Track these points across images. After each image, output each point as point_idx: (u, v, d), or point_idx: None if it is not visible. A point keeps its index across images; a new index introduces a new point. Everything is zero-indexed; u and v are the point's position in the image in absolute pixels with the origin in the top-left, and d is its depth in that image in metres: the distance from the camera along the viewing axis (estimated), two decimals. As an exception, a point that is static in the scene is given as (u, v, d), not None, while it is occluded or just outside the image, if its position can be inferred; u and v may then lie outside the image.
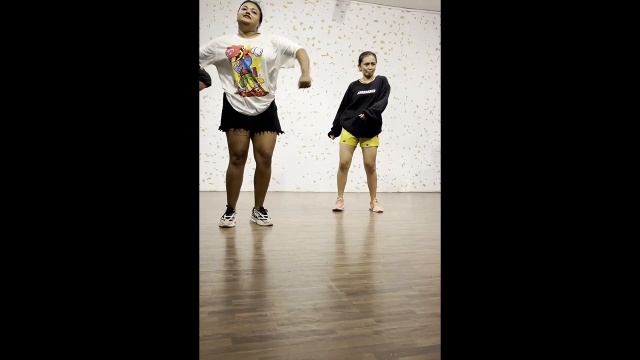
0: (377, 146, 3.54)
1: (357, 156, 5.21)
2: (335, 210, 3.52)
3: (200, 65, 2.48)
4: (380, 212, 3.53)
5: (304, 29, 5.58)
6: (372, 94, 3.43)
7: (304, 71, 2.45)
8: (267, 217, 2.70)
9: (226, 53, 2.43)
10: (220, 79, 2.52)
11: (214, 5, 5.24)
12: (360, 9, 5.79)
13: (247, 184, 4.67)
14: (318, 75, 5.57)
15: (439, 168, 6.19)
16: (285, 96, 5.49)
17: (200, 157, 5.24)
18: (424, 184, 6.17)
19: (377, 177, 5.41)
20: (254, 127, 2.53)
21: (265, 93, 2.47)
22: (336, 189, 5.58)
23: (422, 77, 6.10)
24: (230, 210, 2.63)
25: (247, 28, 2.50)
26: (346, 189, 5.54)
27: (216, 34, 5.21)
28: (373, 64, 3.45)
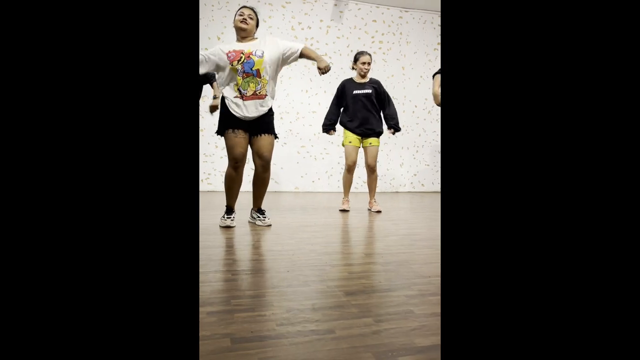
0: (378, 145, 3.57)
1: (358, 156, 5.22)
2: (343, 211, 3.55)
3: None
4: (378, 212, 3.54)
5: (302, 29, 5.58)
6: (368, 94, 3.46)
7: (318, 59, 2.47)
8: (265, 217, 2.70)
9: (227, 57, 2.43)
10: (219, 83, 2.52)
11: (212, 5, 5.24)
12: (359, 9, 5.79)
13: (246, 184, 4.67)
14: (316, 75, 5.58)
15: (437, 168, 6.20)
16: (284, 96, 5.49)
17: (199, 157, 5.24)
18: (422, 184, 6.18)
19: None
20: (251, 131, 2.53)
21: (266, 96, 2.48)
22: (336, 189, 5.63)
23: (421, 77, 6.11)
24: (230, 210, 2.63)
25: (244, 34, 2.51)
26: (345, 189, 5.55)
27: (214, 34, 5.21)
28: (369, 64, 3.49)
